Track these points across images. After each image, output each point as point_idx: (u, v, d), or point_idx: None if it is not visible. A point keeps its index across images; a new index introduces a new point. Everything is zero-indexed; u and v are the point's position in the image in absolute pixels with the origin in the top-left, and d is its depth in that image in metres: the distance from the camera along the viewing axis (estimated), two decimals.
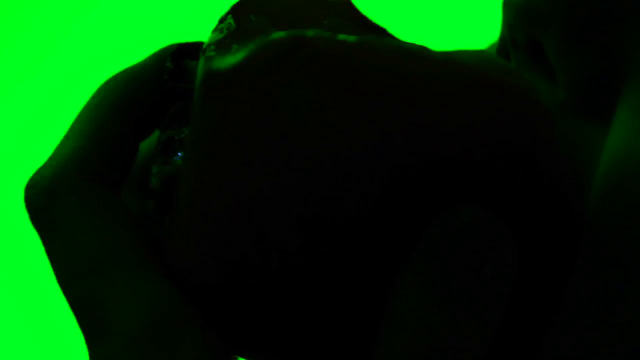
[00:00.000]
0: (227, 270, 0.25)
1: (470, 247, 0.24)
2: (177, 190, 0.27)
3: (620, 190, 0.26)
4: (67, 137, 0.28)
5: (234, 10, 0.27)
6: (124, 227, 0.27)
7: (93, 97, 0.29)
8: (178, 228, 0.26)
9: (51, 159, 0.28)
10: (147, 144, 0.30)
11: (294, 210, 0.24)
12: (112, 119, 0.28)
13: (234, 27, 0.27)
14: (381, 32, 0.28)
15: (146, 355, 0.26)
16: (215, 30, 0.27)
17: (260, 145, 0.24)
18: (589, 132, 0.28)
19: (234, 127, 0.25)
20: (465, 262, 0.24)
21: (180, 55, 0.28)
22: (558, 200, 0.26)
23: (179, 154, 0.27)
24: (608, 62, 0.28)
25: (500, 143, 0.25)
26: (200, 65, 0.26)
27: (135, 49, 1.63)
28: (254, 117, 0.24)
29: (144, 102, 0.28)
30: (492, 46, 0.33)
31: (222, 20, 0.27)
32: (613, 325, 0.26)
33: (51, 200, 0.27)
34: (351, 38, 0.24)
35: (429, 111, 0.24)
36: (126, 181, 0.29)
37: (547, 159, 0.25)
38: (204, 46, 0.26)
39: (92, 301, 0.26)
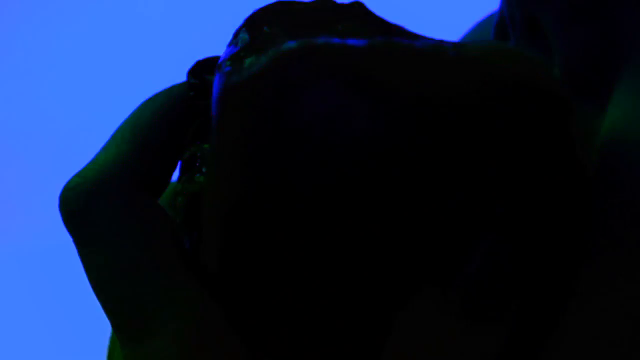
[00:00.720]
0: (259, 280, 0.26)
1: (491, 279, 0.25)
2: (202, 207, 0.27)
3: (619, 172, 0.26)
4: (109, 144, 0.29)
5: (247, 23, 0.28)
6: (163, 232, 0.27)
7: (136, 109, 0.29)
8: (207, 244, 0.27)
9: (94, 162, 0.28)
10: None
11: (319, 210, 0.25)
12: (154, 129, 0.29)
13: (248, 40, 0.27)
14: (397, 30, 0.28)
15: (190, 354, 0.26)
16: (229, 44, 0.28)
17: (280, 153, 0.25)
18: (584, 110, 0.28)
19: (251, 138, 0.25)
20: (481, 293, 0.25)
21: (202, 71, 0.29)
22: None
23: (203, 169, 0.28)
24: (605, 41, 0.28)
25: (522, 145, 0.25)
26: (216, 80, 0.26)
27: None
28: (269, 126, 0.25)
29: (180, 115, 0.29)
30: (488, 20, 0.33)
31: (236, 34, 0.28)
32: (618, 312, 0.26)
33: (93, 202, 0.27)
34: (361, 43, 0.25)
35: (440, 118, 0.25)
36: (164, 189, 0.30)
37: (567, 152, 0.26)
38: (219, 61, 0.27)
39: (132, 303, 0.27)
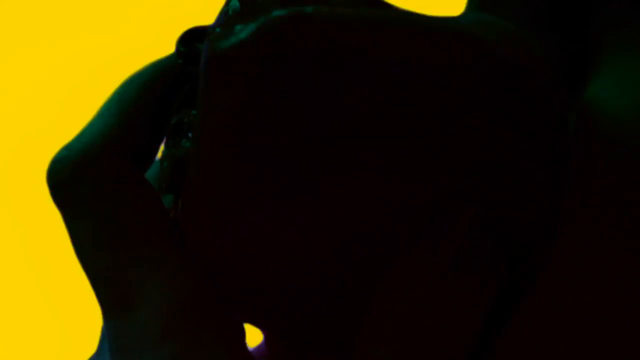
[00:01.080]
0: (241, 243, 0.26)
1: (469, 255, 0.26)
2: (187, 172, 0.27)
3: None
4: (96, 117, 0.29)
5: None
6: (149, 204, 0.28)
7: (122, 83, 0.30)
8: (191, 209, 0.27)
9: (80, 135, 0.29)
10: None
11: (302, 169, 0.25)
12: (140, 101, 0.29)
13: (238, 8, 0.27)
14: (386, 6, 0.28)
15: (171, 328, 0.27)
16: (220, 12, 0.28)
17: (266, 118, 0.25)
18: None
19: (238, 102, 0.26)
20: (459, 271, 0.26)
21: (193, 39, 0.29)
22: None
23: (189, 134, 0.28)
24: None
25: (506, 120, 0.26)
26: (205, 47, 0.27)
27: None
28: (255, 92, 0.25)
29: (166, 85, 0.29)
30: None
31: (227, 2, 0.28)
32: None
33: (79, 174, 0.28)
34: (349, 12, 0.25)
35: (422, 87, 0.25)
36: (152, 162, 0.30)
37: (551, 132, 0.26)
38: (210, 29, 0.27)
39: (116, 275, 0.27)
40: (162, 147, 0.30)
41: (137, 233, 0.27)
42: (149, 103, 0.29)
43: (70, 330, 1.55)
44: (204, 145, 0.26)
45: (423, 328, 0.26)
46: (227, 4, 0.28)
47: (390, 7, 0.28)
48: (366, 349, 0.26)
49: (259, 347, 0.31)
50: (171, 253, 0.27)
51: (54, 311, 1.53)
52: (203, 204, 0.26)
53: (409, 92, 0.25)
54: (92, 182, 0.28)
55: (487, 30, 0.26)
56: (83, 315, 1.57)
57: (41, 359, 1.50)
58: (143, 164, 0.29)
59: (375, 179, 0.25)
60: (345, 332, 0.27)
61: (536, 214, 0.27)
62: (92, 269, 0.27)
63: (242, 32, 0.26)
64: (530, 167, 0.26)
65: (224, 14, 0.28)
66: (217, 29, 0.27)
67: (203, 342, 0.27)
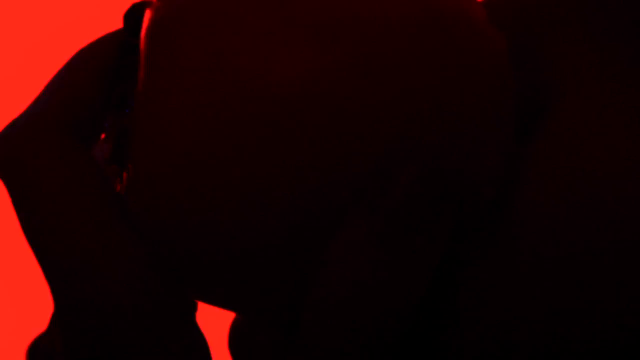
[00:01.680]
0: (184, 210, 0.26)
1: (417, 207, 0.26)
2: (130, 142, 0.27)
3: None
4: (42, 93, 0.29)
5: None
6: (93, 179, 0.28)
7: (69, 60, 0.30)
8: (134, 178, 0.27)
9: (26, 111, 0.29)
10: None
11: (238, 129, 0.25)
12: (84, 77, 0.29)
13: None
14: None
15: (117, 303, 0.26)
16: None
17: (203, 87, 0.25)
18: None
19: (176, 71, 0.26)
20: (409, 222, 0.26)
21: (139, 11, 0.29)
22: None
23: (132, 106, 0.28)
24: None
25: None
26: (146, 16, 0.27)
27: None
28: (192, 59, 0.25)
29: (111, 59, 0.29)
30: None
31: None
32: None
33: (22, 148, 0.28)
34: None
35: (360, 37, 0.25)
36: (98, 138, 0.30)
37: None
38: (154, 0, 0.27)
39: (60, 250, 0.27)
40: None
41: (81, 209, 0.27)
42: (91, 78, 0.29)
43: None
44: (146, 114, 0.26)
45: (367, 292, 0.26)
46: None
47: None
48: (309, 322, 0.26)
49: None
50: (117, 228, 0.27)
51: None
52: (146, 173, 0.26)
53: (345, 44, 0.25)
54: (36, 157, 0.28)
55: None
56: None
57: None
58: (88, 137, 0.29)
59: (317, 138, 0.25)
60: (291, 307, 0.27)
61: (486, 165, 0.26)
62: (36, 244, 0.27)
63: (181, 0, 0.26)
64: (478, 115, 0.26)
65: None
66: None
67: (152, 315, 0.26)
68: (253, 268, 0.26)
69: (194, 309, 0.28)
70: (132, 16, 0.29)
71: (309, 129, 0.25)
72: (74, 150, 0.28)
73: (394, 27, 0.25)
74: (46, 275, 0.27)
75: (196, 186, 0.26)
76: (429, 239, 0.26)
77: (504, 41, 0.27)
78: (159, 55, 0.26)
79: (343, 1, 0.25)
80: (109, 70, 0.29)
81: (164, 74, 0.26)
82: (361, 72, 0.25)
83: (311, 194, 0.25)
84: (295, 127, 0.25)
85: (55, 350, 0.28)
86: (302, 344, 0.26)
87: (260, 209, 0.26)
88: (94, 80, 0.29)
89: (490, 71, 0.26)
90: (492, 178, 0.27)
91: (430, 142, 0.26)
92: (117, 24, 1.53)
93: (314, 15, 0.25)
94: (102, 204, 0.27)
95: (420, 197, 0.25)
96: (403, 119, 0.25)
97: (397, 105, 0.25)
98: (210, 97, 0.25)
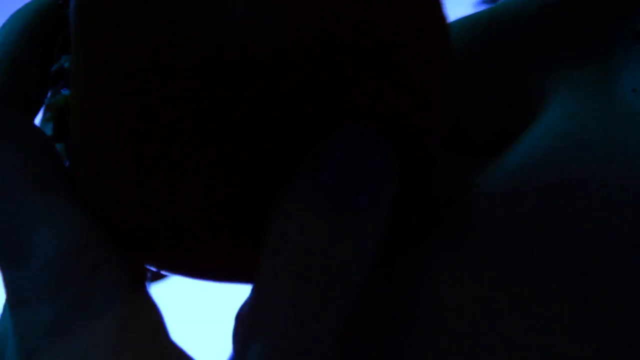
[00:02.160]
0: (125, 179, 0.26)
1: (357, 167, 0.25)
2: (70, 120, 0.27)
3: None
4: None
5: None
6: (39, 150, 0.27)
7: (2, 25, 0.29)
8: (75, 158, 0.27)
9: None
10: None
11: (185, 99, 0.24)
12: (19, 45, 0.28)
13: None
14: None
15: (67, 276, 0.26)
16: None
17: (141, 49, 0.25)
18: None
19: (106, 41, 0.25)
20: (350, 185, 0.25)
21: None
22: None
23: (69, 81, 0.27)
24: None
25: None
26: None
27: None
28: (123, 27, 0.25)
29: (47, 29, 0.29)
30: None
31: None
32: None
33: None
34: None
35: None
36: (39, 108, 0.30)
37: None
38: None
39: (9, 224, 0.26)
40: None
41: (26, 181, 0.27)
42: (27, 46, 0.28)
43: None
44: (79, 88, 0.26)
45: (312, 261, 0.25)
46: None
47: None
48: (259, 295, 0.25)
49: None
50: (65, 202, 0.27)
51: None
52: (87, 147, 0.26)
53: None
54: None
55: None
56: None
57: None
58: (31, 109, 0.28)
59: (258, 103, 0.25)
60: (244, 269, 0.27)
61: (430, 117, 0.26)
62: None
63: None
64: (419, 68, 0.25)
65: None
66: None
67: (100, 288, 0.26)
68: (203, 238, 0.26)
69: (144, 276, 0.27)
70: None
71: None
72: (18, 122, 0.27)
73: None
74: None
75: (136, 156, 0.25)
76: (373, 200, 0.25)
77: None
78: (90, 28, 0.25)
79: None
80: (43, 39, 0.28)
81: (97, 50, 0.25)
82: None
83: (246, 158, 0.25)
84: (239, 96, 0.24)
85: None
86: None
87: (199, 175, 0.25)
88: (29, 50, 0.28)
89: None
90: (435, 129, 0.26)
91: (365, 101, 0.25)
92: None
93: None
94: (50, 176, 0.27)
95: (359, 157, 0.25)
96: (343, 78, 0.25)
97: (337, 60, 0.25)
98: (145, 61, 0.25)
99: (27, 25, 0.28)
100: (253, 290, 0.25)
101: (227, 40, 0.24)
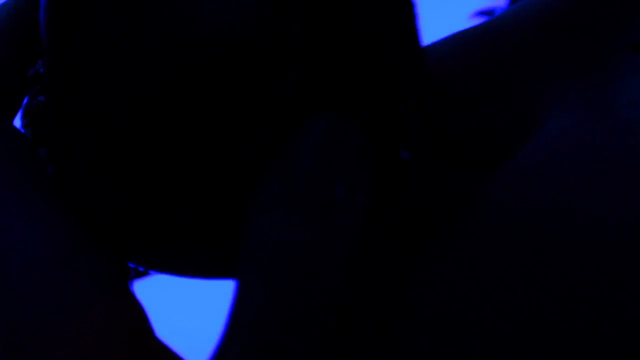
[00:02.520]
0: (105, 179, 0.26)
1: (331, 158, 0.25)
2: (47, 125, 0.27)
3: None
4: None
5: None
6: (20, 153, 0.27)
7: None
8: (56, 157, 0.26)
9: None
10: None
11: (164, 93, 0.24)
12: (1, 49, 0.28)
13: None
14: None
15: (48, 280, 0.26)
16: None
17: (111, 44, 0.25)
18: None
19: (74, 41, 0.25)
20: (325, 175, 0.25)
21: None
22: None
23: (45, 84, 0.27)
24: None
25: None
26: None
27: None
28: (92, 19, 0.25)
29: (22, 30, 0.28)
30: None
31: None
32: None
33: None
34: None
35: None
36: (18, 111, 0.29)
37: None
38: None
39: None
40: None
41: (9, 184, 0.27)
42: (7, 49, 0.28)
43: None
44: (54, 90, 0.26)
45: (292, 254, 0.25)
46: None
47: None
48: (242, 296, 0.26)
49: None
50: (46, 202, 0.27)
51: None
52: (67, 149, 0.26)
53: None
54: None
55: None
56: None
57: None
58: (8, 113, 0.28)
59: (239, 88, 0.25)
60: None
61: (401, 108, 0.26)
62: None
63: None
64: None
65: None
66: None
67: (82, 287, 0.26)
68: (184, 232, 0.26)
69: (128, 274, 0.27)
70: None
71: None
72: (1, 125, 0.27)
73: None
74: None
75: (120, 159, 0.25)
76: (348, 191, 0.25)
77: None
78: (59, 31, 0.25)
79: None
80: (16, 42, 0.28)
81: (63, 52, 0.25)
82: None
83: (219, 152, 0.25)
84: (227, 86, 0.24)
85: None
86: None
87: (174, 169, 0.25)
88: (8, 49, 0.28)
89: None
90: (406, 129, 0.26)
91: (336, 92, 0.25)
92: None
93: None
94: (30, 180, 0.27)
95: (331, 146, 0.25)
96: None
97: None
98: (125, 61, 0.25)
99: (2, 29, 0.28)
100: (235, 287, 0.26)
101: (193, 37, 0.24)
